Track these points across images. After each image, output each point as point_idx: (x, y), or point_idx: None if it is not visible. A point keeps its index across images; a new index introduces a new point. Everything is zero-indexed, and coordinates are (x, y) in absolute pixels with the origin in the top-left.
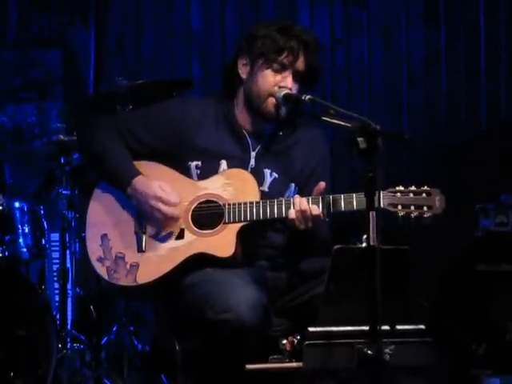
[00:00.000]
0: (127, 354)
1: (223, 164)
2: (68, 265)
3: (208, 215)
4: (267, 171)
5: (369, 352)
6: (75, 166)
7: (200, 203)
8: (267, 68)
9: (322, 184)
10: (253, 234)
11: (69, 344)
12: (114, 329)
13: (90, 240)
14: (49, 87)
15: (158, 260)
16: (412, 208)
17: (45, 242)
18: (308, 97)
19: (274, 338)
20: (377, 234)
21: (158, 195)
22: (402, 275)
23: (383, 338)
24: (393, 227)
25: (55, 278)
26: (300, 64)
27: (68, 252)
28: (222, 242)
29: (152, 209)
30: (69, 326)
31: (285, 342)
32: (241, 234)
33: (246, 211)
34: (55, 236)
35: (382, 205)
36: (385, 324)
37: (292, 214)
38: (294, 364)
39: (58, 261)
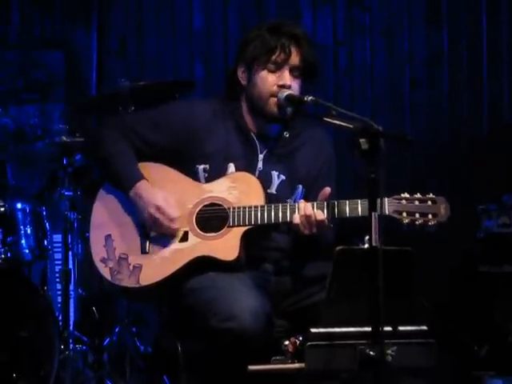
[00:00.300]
0: (129, 355)
1: (231, 167)
2: (70, 266)
3: (212, 218)
4: (275, 173)
5: (371, 353)
6: (78, 167)
7: (205, 206)
8: (263, 70)
9: (328, 189)
10: (257, 238)
11: (71, 345)
12: (117, 330)
13: (93, 240)
14: (51, 88)
15: (162, 262)
16: (417, 215)
17: (47, 243)
18: (310, 98)
19: (276, 339)
20: (379, 235)
21: (158, 205)
22: (404, 276)
23: (385, 339)
24: (395, 228)
25: (57, 280)
26: (294, 59)
27: (70, 253)
28: (226, 245)
29: (150, 217)
30: (71, 327)
31: (287, 343)
32: (245, 237)
33: (250, 215)
34: (57, 237)
35: (387, 211)
36: (387, 325)
37: (297, 218)
38: (297, 365)
39: (60, 262)
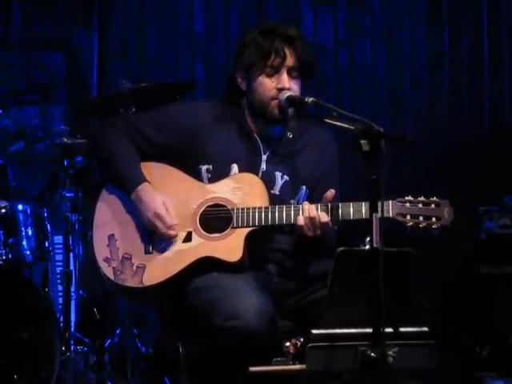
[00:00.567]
0: (131, 356)
1: (234, 168)
2: (71, 267)
3: (216, 219)
4: (278, 174)
5: (372, 354)
6: (79, 168)
7: (209, 206)
8: (261, 75)
9: (332, 191)
10: (261, 239)
11: (72, 346)
12: (118, 331)
13: (97, 240)
14: (52, 89)
15: (165, 262)
16: (421, 218)
17: (48, 244)
18: (311, 99)
19: (278, 340)
20: (380, 237)
21: (157, 211)
22: (405, 277)
23: (386, 340)
24: (396, 230)
25: (59, 281)
26: (290, 61)
27: (71, 254)
28: (230, 246)
29: (149, 221)
30: (72, 329)
31: (288, 344)
32: (249, 238)
33: (254, 216)
34: (59, 238)
35: (390, 214)
36: (388, 326)
37: (301, 220)
38: (298, 366)
39: (61, 263)
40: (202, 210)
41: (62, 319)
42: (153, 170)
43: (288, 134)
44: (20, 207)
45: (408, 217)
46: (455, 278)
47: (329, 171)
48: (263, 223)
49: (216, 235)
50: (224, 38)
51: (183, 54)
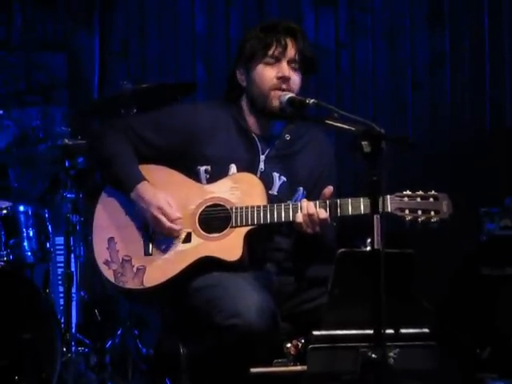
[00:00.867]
0: (132, 357)
1: (233, 168)
2: (72, 268)
3: (215, 219)
4: (276, 175)
5: (373, 355)
6: (80, 169)
7: (207, 207)
8: (261, 64)
9: (330, 188)
10: (260, 238)
11: (73, 347)
12: (119, 332)
13: (96, 243)
14: (53, 90)
15: (165, 263)
16: (419, 212)
17: (49, 245)
18: (312, 100)
19: (279, 341)
20: (381, 238)
21: (160, 206)
22: (406, 279)
23: (387, 341)
24: (397, 230)
25: (60, 282)
26: (291, 52)
27: (72, 256)
28: (229, 245)
29: (152, 217)
30: (73, 330)
31: (289, 345)
32: (248, 237)
33: (253, 215)
34: (60, 240)
35: (389, 209)
36: (389, 327)
37: (299, 217)
38: (299, 367)
39: (62, 264)
40: (200, 210)
41: (62, 320)
42: (151, 172)
43: (286, 135)
44: (21, 208)
45: (406, 211)
46: (456, 280)
47: (326, 173)
48: (262, 222)
49: (215, 235)
50: (225, 39)
51: (184, 54)
